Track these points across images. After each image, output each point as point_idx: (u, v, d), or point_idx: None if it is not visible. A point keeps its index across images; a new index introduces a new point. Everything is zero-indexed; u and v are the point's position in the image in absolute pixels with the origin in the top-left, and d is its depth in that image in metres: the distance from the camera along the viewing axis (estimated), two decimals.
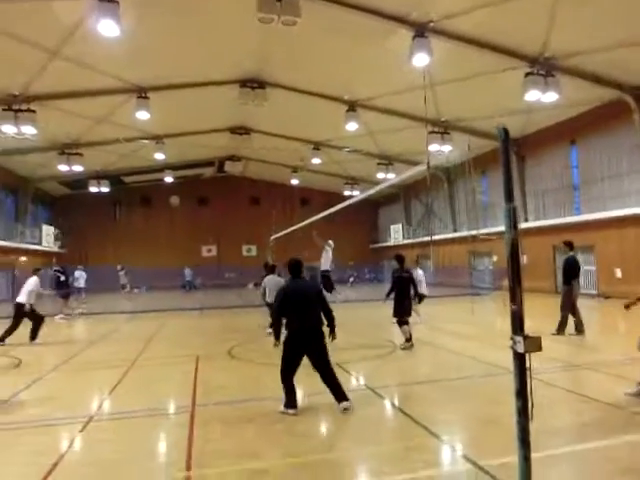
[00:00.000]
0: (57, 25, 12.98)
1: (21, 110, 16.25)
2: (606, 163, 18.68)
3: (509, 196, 3.19)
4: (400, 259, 9.45)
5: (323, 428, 5.07)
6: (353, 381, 6.87)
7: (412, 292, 9.45)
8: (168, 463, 4.11)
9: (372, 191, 7.91)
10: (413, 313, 9.63)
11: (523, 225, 20.40)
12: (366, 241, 38.42)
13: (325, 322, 5.49)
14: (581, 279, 19.09)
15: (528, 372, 3.02)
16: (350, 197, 23.80)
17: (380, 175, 26.76)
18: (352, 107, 19.69)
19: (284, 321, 5.64)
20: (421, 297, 11.79)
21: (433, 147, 19.98)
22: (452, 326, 12.04)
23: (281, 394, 5.25)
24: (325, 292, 11.13)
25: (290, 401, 5.19)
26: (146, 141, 23.30)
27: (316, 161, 26.36)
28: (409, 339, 8.83)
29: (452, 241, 25.67)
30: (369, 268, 37.58)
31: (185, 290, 30.56)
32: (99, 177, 27.92)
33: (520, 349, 3.00)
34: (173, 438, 4.70)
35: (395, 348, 8.93)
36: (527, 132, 21.58)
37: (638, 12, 12.25)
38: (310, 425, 4.95)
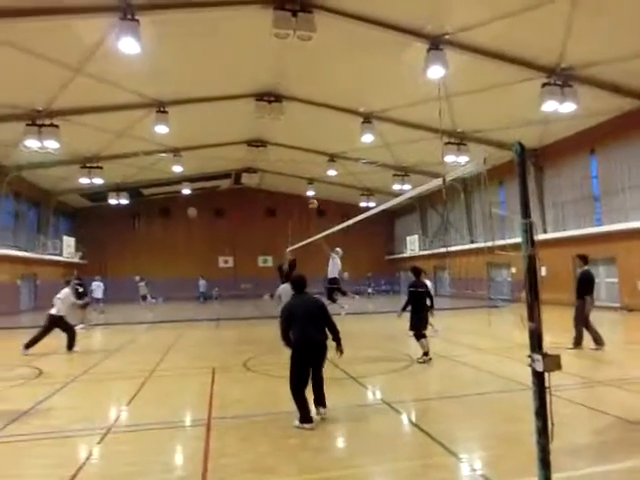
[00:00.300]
0: (79, 43, 13.37)
1: (45, 125, 16.73)
2: (627, 173, 18.35)
3: (525, 211, 3.16)
4: (416, 272, 9.39)
5: (339, 443, 5.04)
6: (369, 395, 6.81)
7: (428, 305, 9.37)
8: (184, 477, 4.12)
9: (390, 204, 7.87)
10: (429, 326, 9.55)
11: (541, 237, 20.11)
12: (382, 252, 38.28)
13: (330, 336, 5.55)
14: (603, 292, 18.97)
15: (548, 390, 2.97)
16: (366, 208, 23.80)
17: (396, 186, 26.71)
18: (367, 119, 19.78)
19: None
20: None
21: (449, 158, 19.91)
22: (469, 339, 11.87)
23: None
24: (329, 301, 11.12)
25: (305, 416, 5.19)
26: (164, 154, 23.71)
27: (332, 173, 26.45)
28: (427, 353, 8.74)
29: (469, 252, 25.42)
30: (385, 279, 37.39)
31: (199, 301, 30.78)
32: (119, 189, 28.46)
33: (539, 368, 2.95)
34: (189, 451, 4.72)
35: (412, 362, 8.84)
36: (545, 143, 21.37)
37: None
38: (325, 440, 4.91)
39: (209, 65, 16.02)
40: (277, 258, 30.66)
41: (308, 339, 5.36)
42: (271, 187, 35.38)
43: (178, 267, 34.06)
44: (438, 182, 4.89)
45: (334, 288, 12.04)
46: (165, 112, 17.97)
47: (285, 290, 10.16)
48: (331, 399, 5.43)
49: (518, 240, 3.21)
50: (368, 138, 20.15)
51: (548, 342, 3.08)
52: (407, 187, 25.66)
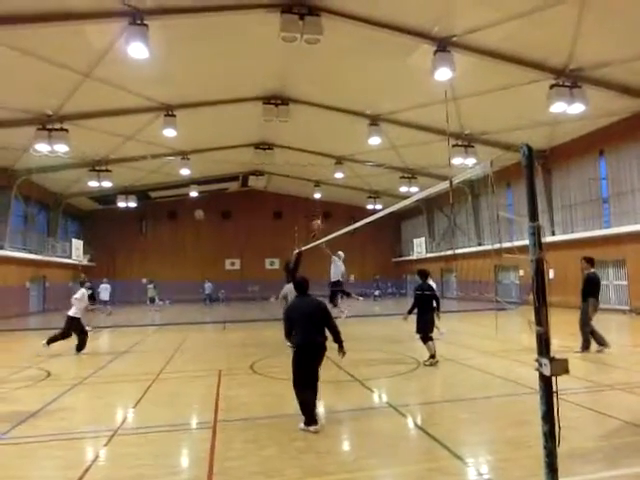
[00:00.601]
0: (89, 48, 13.49)
1: (54, 129, 16.91)
2: (636, 175, 18.19)
3: (533, 215, 3.14)
4: (423, 274, 9.37)
5: (344, 446, 5.02)
6: (375, 398, 6.78)
7: (434, 307, 9.34)
8: (190, 479, 4.12)
9: (397, 206, 7.87)
10: (435, 329, 9.51)
11: (550, 239, 19.96)
12: (389, 255, 38.21)
13: (331, 338, 5.55)
14: (612, 294, 18.77)
15: (555, 394, 2.94)
16: (373, 210, 23.76)
17: (403, 189, 26.67)
18: (374, 121, 19.77)
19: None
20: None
21: (457, 160, 19.83)
22: (476, 342, 11.80)
23: None
24: (330, 305, 11.10)
25: (310, 418, 5.18)
26: (172, 157, 23.85)
27: (339, 175, 26.46)
28: (433, 355, 8.71)
29: (476, 255, 25.28)
30: (392, 282, 37.29)
31: (205, 304, 30.87)
32: (127, 192, 28.66)
33: (546, 372, 2.92)
34: (195, 454, 4.72)
35: (418, 365, 8.80)
36: (553, 144, 21.24)
37: None
38: (331, 443, 4.90)
39: (217, 69, 16.11)
40: (284, 260, 30.70)
41: (309, 341, 5.38)
42: (278, 190, 35.46)
43: (185, 269, 34.23)
44: (445, 185, 4.87)
45: (337, 291, 12.03)
46: (173, 116, 18.08)
47: (290, 290, 10.17)
48: (336, 402, 5.42)
49: (526, 242, 3.19)
50: (375, 140, 20.13)
51: (556, 345, 3.05)
52: (414, 189, 25.60)
